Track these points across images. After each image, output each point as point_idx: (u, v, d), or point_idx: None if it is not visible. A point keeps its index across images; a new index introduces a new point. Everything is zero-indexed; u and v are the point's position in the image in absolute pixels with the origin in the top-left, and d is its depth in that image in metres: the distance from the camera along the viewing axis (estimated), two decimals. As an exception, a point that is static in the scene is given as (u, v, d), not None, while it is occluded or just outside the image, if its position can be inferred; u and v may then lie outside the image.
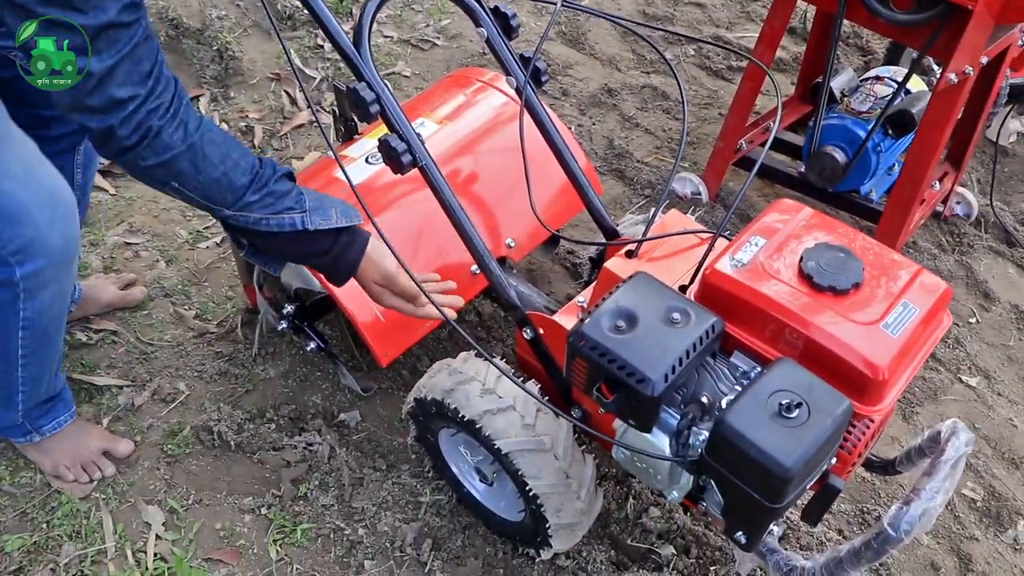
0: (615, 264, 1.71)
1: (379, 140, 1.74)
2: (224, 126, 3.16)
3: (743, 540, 1.44)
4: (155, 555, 1.99)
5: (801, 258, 1.53)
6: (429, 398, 1.88)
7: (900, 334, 1.46)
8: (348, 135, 2.36)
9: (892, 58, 3.39)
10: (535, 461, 1.77)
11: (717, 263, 1.55)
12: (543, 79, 2.01)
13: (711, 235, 1.75)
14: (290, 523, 2.07)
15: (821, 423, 1.31)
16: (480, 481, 2.07)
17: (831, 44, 2.52)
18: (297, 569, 2.00)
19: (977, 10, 2.10)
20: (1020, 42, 2.65)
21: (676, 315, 1.45)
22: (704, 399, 1.49)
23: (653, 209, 1.84)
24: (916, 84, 2.79)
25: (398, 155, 1.73)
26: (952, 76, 2.27)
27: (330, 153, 2.34)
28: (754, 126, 3.02)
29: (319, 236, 1.57)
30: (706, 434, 1.46)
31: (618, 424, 1.59)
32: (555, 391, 1.91)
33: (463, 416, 1.80)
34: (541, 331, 1.88)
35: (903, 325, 1.47)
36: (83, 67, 1.23)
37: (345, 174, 1.60)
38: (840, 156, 2.66)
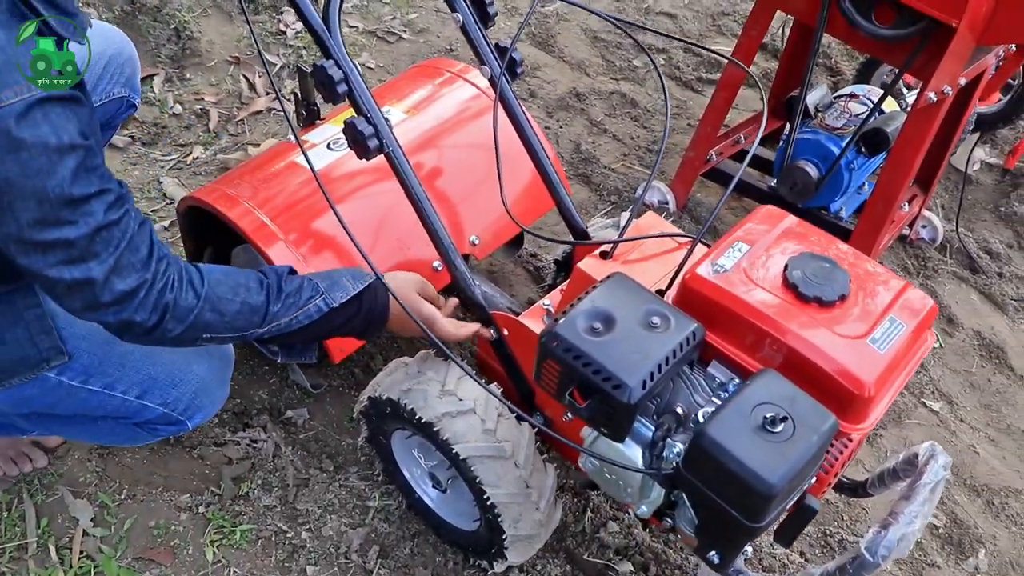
0: (589, 265, 1.63)
1: (345, 123, 1.65)
2: (178, 107, 3.02)
3: (716, 560, 1.36)
4: (81, 552, 1.85)
5: (786, 267, 1.46)
6: (384, 397, 1.77)
7: (887, 350, 1.40)
8: (310, 120, 2.25)
9: (862, 79, 3.38)
10: (494, 468, 1.68)
11: (698, 268, 1.48)
12: (518, 71, 1.93)
13: (689, 239, 1.69)
14: (229, 523, 1.95)
15: (807, 439, 1.24)
16: (433, 487, 1.97)
17: (810, 57, 2.47)
18: (235, 572, 1.88)
19: (960, 28, 2.07)
20: (993, 69, 2.65)
21: (655, 319, 1.37)
22: (679, 410, 1.41)
23: (629, 209, 1.76)
24: (889, 105, 2.77)
25: (364, 139, 1.64)
26: (932, 95, 2.24)
27: (292, 137, 2.22)
28: (724, 137, 2.98)
29: (345, 308, 1.57)
30: (681, 447, 1.39)
31: (587, 432, 1.51)
32: (517, 396, 1.82)
33: (420, 418, 1.70)
34: (506, 332, 1.79)
35: (890, 341, 1.41)
36: (85, 276, 1.23)
37: (308, 160, 1.51)
38: (813, 171, 2.62)
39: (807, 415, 1.27)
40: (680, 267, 1.54)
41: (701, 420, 1.40)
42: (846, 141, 2.59)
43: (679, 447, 1.39)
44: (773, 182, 2.81)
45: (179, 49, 3.17)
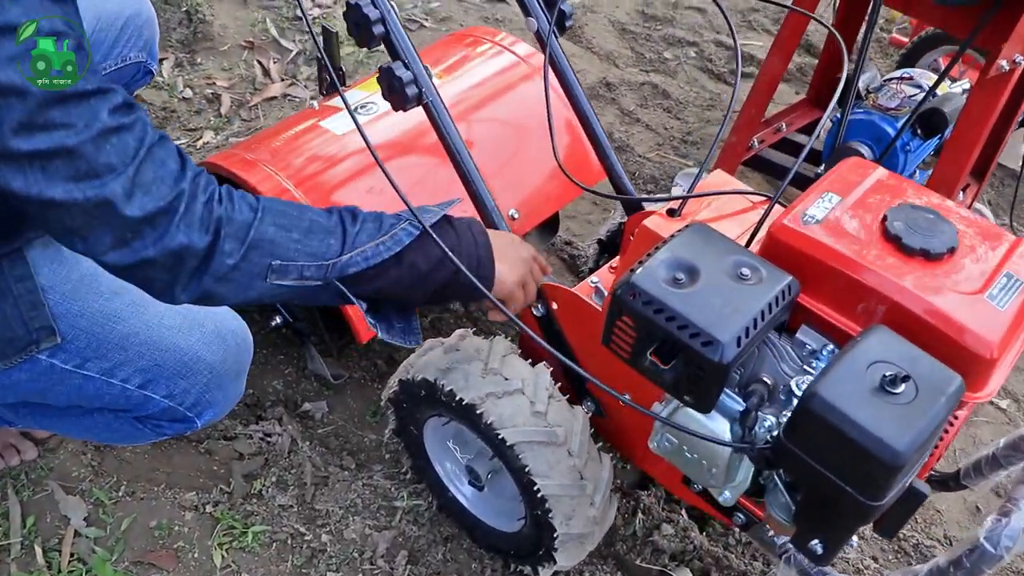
0: (655, 223, 1.44)
1: (380, 69, 1.49)
2: (189, 92, 2.85)
3: (819, 550, 1.16)
4: (72, 555, 1.65)
5: (885, 218, 1.27)
6: (419, 378, 1.58)
7: (1007, 308, 1.21)
8: (334, 86, 2.08)
9: (907, 64, 3.21)
10: (545, 456, 1.49)
11: (785, 219, 1.29)
12: (568, 24, 1.77)
13: (765, 199, 1.51)
14: (240, 524, 1.74)
15: (933, 402, 1.04)
16: (470, 484, 1.77)
17: (867, 31, 2.30)
18: (246, 579, 1.68)
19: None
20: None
21: (745, 270, 1.18)
22: (767, 380, 1.22)
23: (699, 163, 1.58)
24: (942, 89, 2.60)
25: (402, 86, 1.47)
26: (1003, 63, 2.06)
27: (313, 104, 2.05)
28: (766, 125, 2.80)
29: (440, 233, 1.28)
30: (772, 420, 1.20)
31: (662, 407, 1.31)
32: (566, 379, 1.63)
33: (460, 399, 1.50)
34: (555, 306, 1.61)
35: (1009, 298, 1.22)
36: (101, 194, 0.99)
37: (351, 114, 1.32)
38: (867, 152, 2.45)
39: (930, 375, 1.07)
40: (759, 224, 1.36)
41: (796, 390, 1.21)
42: (902, 121, 2.42)
43: (771, 420, 1.19)
44: (821, 168, 2.63)
45: (190, 33, 3.01)
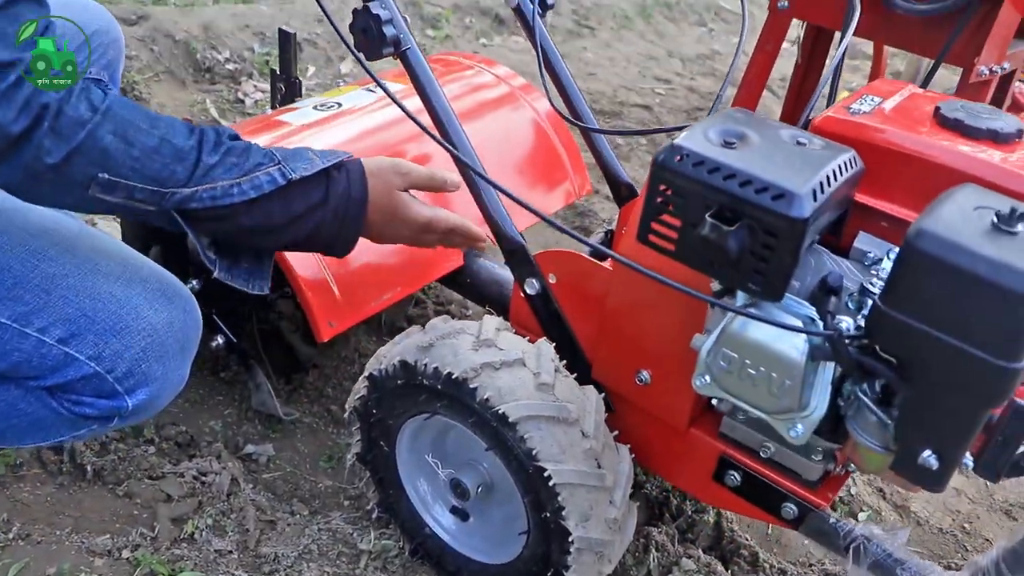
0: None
1: (354, 11, 1.32)
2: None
3: (935, 463, 0.90)
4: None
5: (938, 108, 1.12)
6: (395, 363, 1.32)
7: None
8: (290, 97, 1.91)
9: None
10: (556, 435, 1.22)
11: (830, 112, 1.13)
12: (550, 2, 1.65)
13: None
14: (165, 569, 1.39)
15: (1063, 244, 0.84)
16: (452, 512, 1.46)
17: (838, 60, 2.25)
18: (172, 633, 1.31)
19: (1011, -12, 1.87)
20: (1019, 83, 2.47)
21: (802, 139, 1.00)
22: (833, 285, 1.01)
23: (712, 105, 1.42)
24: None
25: (379, 25, 1.31)
26: (983, 68, 2.01)
27: (331, 84, 1.85)
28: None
29: (308, 187, 1.16)
30: (850, 322, 0.98)
31: (705, 336, 1.08)
32: (568, 368, 1.38)
33: (449, 374, 1.24)
34: (552, 279, 1.39)
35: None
36: None
37: (381, 85, 1.14)
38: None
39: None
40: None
41: (872, 288, 1.00)
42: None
43: (848, 322, 0.98)
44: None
45: (124, 107, 2.83)
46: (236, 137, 1.15)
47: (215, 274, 1.19)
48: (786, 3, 2.11)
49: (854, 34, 1.89)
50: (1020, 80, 2.36)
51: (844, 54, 1.28)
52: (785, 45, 2.23)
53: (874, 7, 1.99)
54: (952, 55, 2.06)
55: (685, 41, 4.87)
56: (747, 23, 1.50)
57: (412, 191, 1.30)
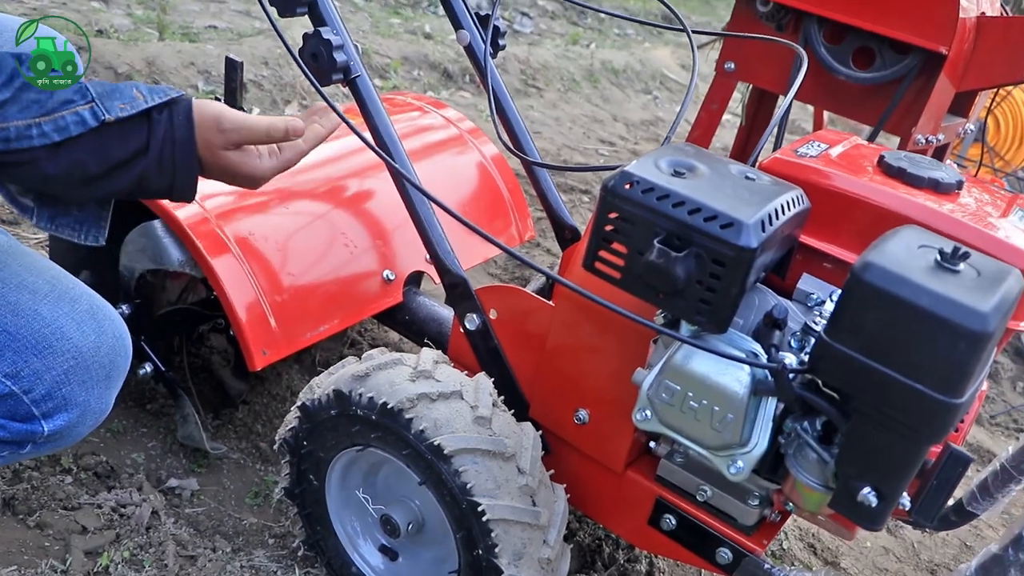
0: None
1: (305, 36, 1.32)
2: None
3: (873, 500, 0.91)
4: None
5: (882, 158, 1.15)
6: (329, 393, 1.28)
7: (1034, 235, 1.08)
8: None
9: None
10: (491, 469, 1.20)
11: (777, 154, 1.16)
12: (501, 43, 1.67)
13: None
14: (75, 602, 1.32)
15: (999, 283, 0.86)
16: (380, 551, 1.42)
17: (785, 110, 2.32)
18: (77, 671, 1.23)
19: (949, 57, 1.96)
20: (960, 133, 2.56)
21: (751, 174, 1.02)
22: (777, 319, 1.02)
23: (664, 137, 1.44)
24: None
25: (330, 51, 1.31)
26: (920, 137, 2.09)
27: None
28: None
29: (127, 130, 1.01)
30: (794, 359, 0.99)
31: (646, 371, 1.08)
32: (506, 404, 1.36)
33: (384, 404, 1.22)
34: (492, 314, 1.38)
35: (1030, 228, 1.10)
36: None
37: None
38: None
39: (985, 263, 0.90)
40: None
41: (814, 326, 1.02)
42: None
43: (791, 358, 0.99)
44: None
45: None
46: (55, 68, 0.97)
47: (32, 222, 1.07)
48: (732, 65, 2.17)
49: (796, 98, 1.96)
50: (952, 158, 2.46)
51: (791, 103, 1.31)
52: (727, 116, 2.30)
53: (817, 74, 2.07)
54: (890, 124, 2.14)
55: (630, 107, 4.99)
56: (692, 91, 1.49)
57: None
